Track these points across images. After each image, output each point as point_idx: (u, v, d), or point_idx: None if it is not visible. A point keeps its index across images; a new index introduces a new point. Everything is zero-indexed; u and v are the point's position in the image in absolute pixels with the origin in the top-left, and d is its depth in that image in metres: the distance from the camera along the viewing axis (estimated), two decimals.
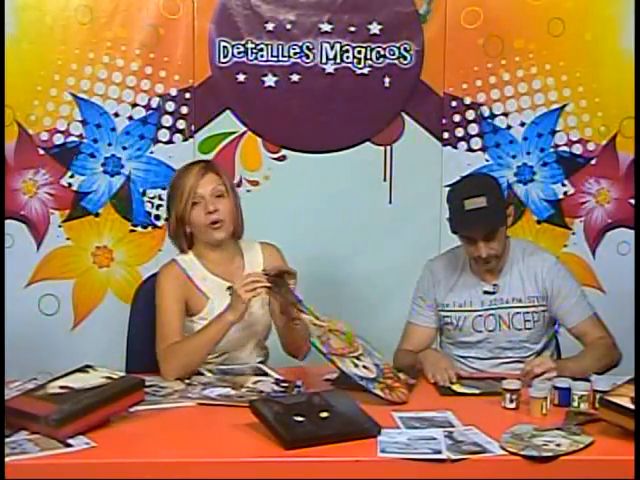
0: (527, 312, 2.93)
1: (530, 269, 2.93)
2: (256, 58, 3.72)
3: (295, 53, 3.73)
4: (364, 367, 2.49)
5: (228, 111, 3.76)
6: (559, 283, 2.92)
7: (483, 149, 3.85)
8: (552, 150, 3.87)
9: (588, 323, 2.90)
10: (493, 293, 2.94)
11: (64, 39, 3.63)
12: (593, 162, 3.88)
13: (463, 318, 2.96)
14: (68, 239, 3.74)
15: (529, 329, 2.93)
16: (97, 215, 3.74)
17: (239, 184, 3.69)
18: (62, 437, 2.10)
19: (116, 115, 3.70)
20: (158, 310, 2.78)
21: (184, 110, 3.72)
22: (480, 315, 2.94)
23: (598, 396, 2.30)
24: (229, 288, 2.78)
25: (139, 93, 3.70)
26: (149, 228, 3.77)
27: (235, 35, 3.70)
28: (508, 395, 2.41)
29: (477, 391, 2.60)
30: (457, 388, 2.62)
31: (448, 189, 2.97)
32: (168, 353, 2.69)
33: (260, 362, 2.87)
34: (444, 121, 3.82)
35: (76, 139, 3.70)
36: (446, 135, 3.83)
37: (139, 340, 2.93)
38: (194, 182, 2.77)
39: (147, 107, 3.71)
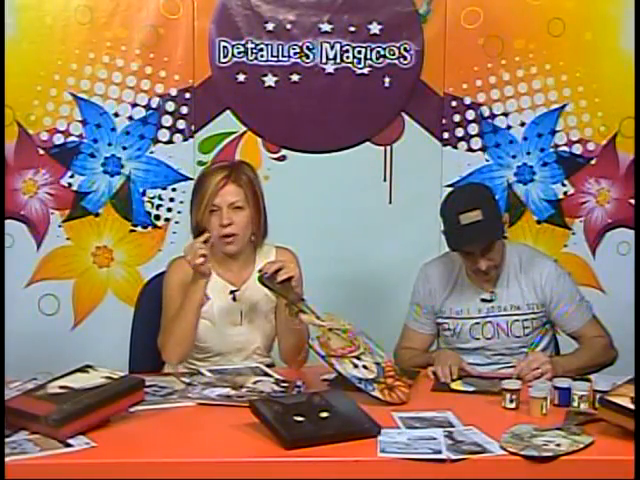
0: (526, 319, 2.92)
1: (528, 276, 2.91)
2: (256, 58, 3.72)
3: (295, 53, 3.73)
4: (364, 367, 2.49)
5: (228, 111, 3.76)
6: (559, 290, 2.91)
7: (483, 149, 3.85)
8: (552, 150, 3.87)
9: (587, 326, 2.91)
10: (491, 301, 2.93)
11: (64, 39, 3.63)
12: (593, 162, 3.88)
13: (460, 325, 2.95)
14: (68, 239, 3.74)
15: (528, 335, 2.93)
16: (97, 215, 3.74)
17: None
18: (62, 437, 2.10)
19: (116, 115, 3.70)
20: (164, 304, 2.83)
21: (184, 110, 3.72)
22: (477, 323, 2.93)
23: (598, 396, 2.29)
24: (232, 292, 2.82)
25: (139, 93, 3.70)
26: (149, 228, 3.77)
27: (235, 35, 3.70)
28: (508, 395, 2.41)
29: (471, 389, 2.60)
30: (455, 386, 2.62)
31: (441, 202, 2.94)
32: (163, 338, 2.77)
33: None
34: (444, 121, 3.82)
35: (76, 139, 3.70)
36: (446, 135, 3.83)
37: (143, 341, 2.94)
38: (213, 191, 2.75)
39: (147, 107, 3.71)
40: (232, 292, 2.83)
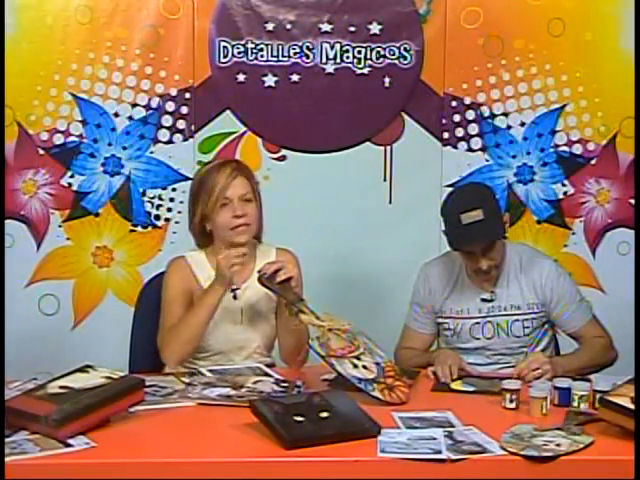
0: (526, 319, 2.91)
1: (529, 277, 2.91)
2: (256, 58, 3.72)
3: (295, 53, 3.73)
4: (364, 367, 2.49)
5: (228, 111, 3.76)
6: (559, 291, 2.90)
7: (483, 149, 3.86)
8: (552, 150, 3.87)
9: (587, 326, 2.91)
10: (491, 300, 2.92)
11: (64, 39, 3.64)
12: (593, 162, 3.88)
13: (460, 325, 2.94)
14: (68, 239, 3.74)
15: (528, 335, 2.93)
16: (97, 215, 3.74)
17: None
18: (62, 437, 2.10)
19: (116, 115, 3.71)
20: (163, 302, 2.83)
21: (184, 110, 3.72)
22: (477, 322, 2.93)
23: (598, 396, 2.29)
24: (232, 291, 2.82)
25: (139, 93, 3.70)
26: (149, 228, 3.77)
27: (235, 35, 3.70)
28: (508, 395, 2.41)
29: (471, 389, 2.60)
30: (455, 386, 2.62)
31: (442, 202, 2.95)
32: (167, 337, 2.76)
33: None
34: (444, 121, 3.82)
35: (76, 139, 3.70)
36: (446, 135, 3.83)
37: (143, 341, 2.93)
38: (224, 183, 2.76)
39: (147, 107, 3.71)
40: (233, 290, 2.83)
